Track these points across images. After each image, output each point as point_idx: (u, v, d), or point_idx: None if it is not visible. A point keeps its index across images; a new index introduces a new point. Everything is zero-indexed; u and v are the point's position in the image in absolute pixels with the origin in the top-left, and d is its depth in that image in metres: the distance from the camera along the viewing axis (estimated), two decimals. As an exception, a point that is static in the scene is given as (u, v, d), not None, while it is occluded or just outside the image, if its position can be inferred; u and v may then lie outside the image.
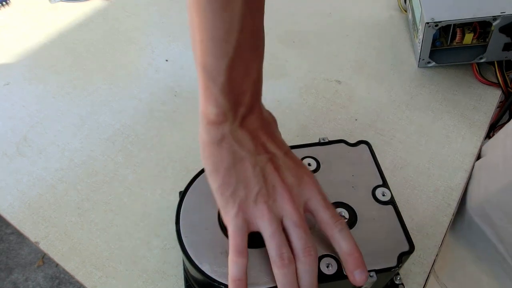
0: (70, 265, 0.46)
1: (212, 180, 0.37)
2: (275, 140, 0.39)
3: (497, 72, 0.61)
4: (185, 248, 0.39)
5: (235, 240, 0.36)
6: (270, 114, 0.41)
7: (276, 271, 0.35)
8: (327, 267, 0.37)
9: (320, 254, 0.38)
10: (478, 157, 0.55)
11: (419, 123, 0.58)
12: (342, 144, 0.47)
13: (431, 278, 0.46)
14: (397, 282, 0.44)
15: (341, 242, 0.36)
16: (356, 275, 0.35)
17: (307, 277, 0.35)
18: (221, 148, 0.36)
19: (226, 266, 0.36)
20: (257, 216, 0.36)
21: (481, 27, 0.59)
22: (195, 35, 0.34)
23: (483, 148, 0.56)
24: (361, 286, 0.37)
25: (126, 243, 0.48)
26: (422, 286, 0.45)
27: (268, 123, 0.40)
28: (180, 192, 0.44)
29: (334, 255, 0.38)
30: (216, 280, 0.37)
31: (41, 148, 0.56)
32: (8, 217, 0.50)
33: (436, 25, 0.57)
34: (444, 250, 0.53)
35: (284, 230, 0.36)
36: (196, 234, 0.40)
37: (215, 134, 0.36)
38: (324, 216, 0.37)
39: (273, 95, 0.62)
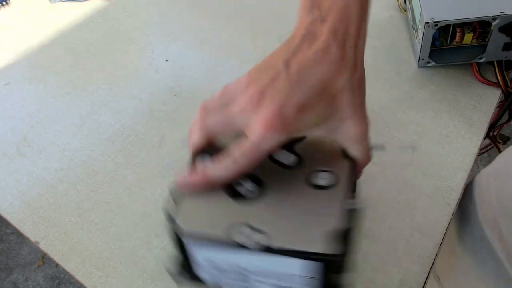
0: (70, 265, 0.46)
1: None
2: (307, 76, 0.32)
3: (497, 72, 0.61)
4: None
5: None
6: (362, 70, 0.37)
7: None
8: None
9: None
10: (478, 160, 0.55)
11: (419, 123, 0.58)
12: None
13: (432, 281, 0.46)
14: None
15: (209, 164, 0.34)
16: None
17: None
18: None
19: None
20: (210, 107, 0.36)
21: (480, 27, 0.59)
22: None
23: (497, 157, 0.56)
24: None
25: (126, 243, 0.48)
26: (422, 286, 0.45)
27: (335, 62, 0.33)
28: None
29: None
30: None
31: (41, 148, 0.56)
32: (8, 217, 0.50)
33: (436, 25, 0.57)
34: (450, 257, 0.52)
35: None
36: None
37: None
38: (233, 150, 0.33)
39: (273, 95, 0.62)
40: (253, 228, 0.32)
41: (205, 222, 0.34)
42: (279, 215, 0.33)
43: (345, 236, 0.31)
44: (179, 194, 0.35)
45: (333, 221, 0.32)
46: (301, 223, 0.32)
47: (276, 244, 0.31)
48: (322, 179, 0.36)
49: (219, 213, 0.34)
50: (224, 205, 0.35)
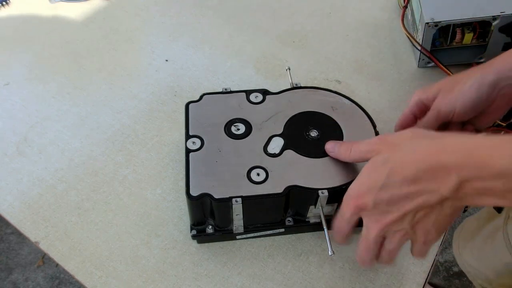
0: (70, 265, 0.46)
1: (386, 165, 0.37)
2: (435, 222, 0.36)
3: (497, 72, 0.61)
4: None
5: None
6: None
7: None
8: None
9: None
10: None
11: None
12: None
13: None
14: None
15: None
16: None
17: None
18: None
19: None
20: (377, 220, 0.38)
21: (480, 27, 0.59)
22: None
23: None
24: None
25: (126, 243, 0.48)
26: (422, 286, 0.45)
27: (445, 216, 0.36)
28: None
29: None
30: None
31: (41, 148, 0.56)
32: (8, 217, 0.50)
33: (436, 25, 0.57)
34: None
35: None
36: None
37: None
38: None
39: (273, 95, 0.62)
40: None
41: None
42: None
43: None
44: None
45: None
46: None
47: None
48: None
49: None
50: None
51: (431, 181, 0.34)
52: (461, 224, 0.83)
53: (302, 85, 0.53)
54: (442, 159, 0.34)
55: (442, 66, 0.61)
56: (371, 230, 0.38)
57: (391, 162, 0.36)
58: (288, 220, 0.46)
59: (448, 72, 0.61)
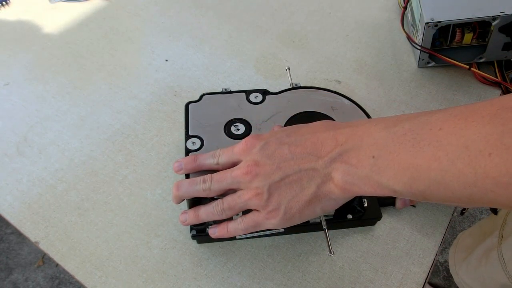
0: (70, 265, 0.46)
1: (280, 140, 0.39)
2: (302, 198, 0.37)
3: (497, 72, 0.61)
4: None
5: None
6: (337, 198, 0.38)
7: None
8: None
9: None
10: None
11: (419, 123, 0.58)
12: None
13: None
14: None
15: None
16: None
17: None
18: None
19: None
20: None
21: (480, 27, 0.59)
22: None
23: None
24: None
25: (126, 243, 0.48)
26: (422, 286, 0.45)
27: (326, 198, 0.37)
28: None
29: None
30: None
31: (41, 148, 0.56)
32: (8, 217, 0.50)
33: (436, 25, 0.57)
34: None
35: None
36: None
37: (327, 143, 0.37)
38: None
39: (273, 95, 0.62)
40: None
41: None
42: None
43: None
44: None
45: None
46: None
47: None
48: None
49: None
50: None
51: (314, 148, 0.37)
52: (455, 240, 0.83)
53: (302, 85, 0.53)
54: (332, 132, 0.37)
55: (443, 57, 0.61)
56: (235, 169, 0.39)
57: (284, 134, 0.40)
58: None
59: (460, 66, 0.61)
